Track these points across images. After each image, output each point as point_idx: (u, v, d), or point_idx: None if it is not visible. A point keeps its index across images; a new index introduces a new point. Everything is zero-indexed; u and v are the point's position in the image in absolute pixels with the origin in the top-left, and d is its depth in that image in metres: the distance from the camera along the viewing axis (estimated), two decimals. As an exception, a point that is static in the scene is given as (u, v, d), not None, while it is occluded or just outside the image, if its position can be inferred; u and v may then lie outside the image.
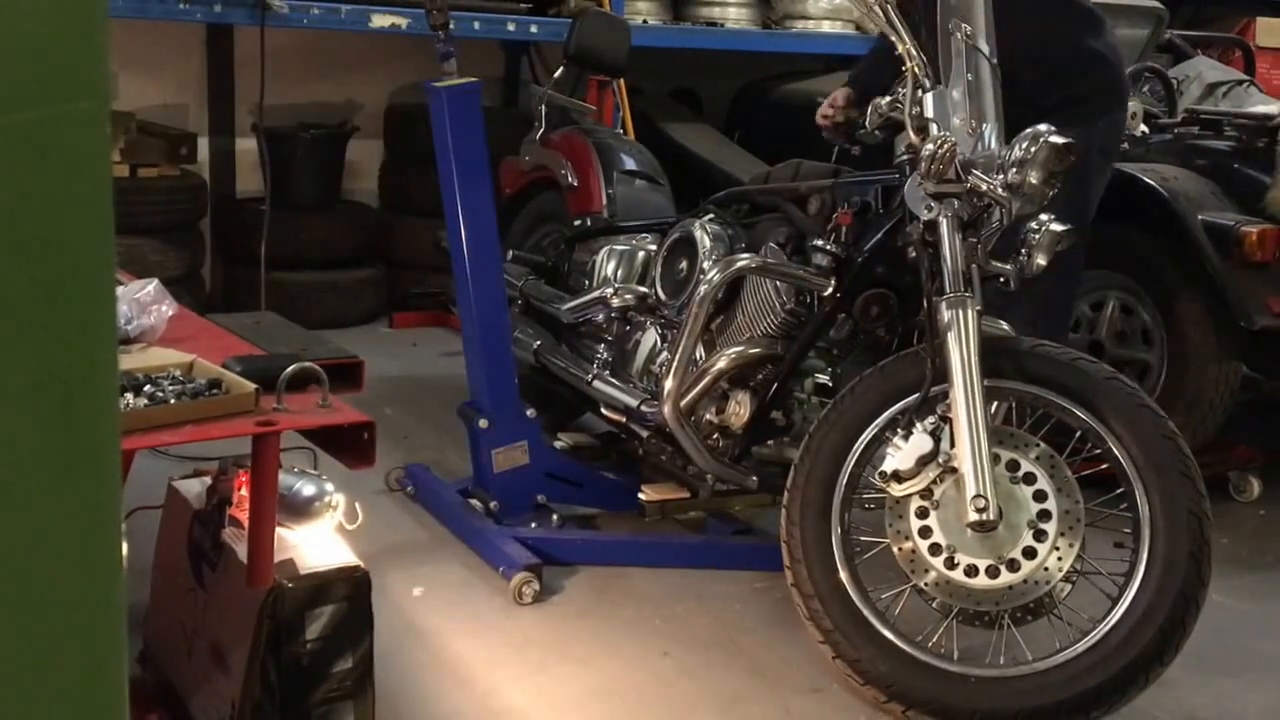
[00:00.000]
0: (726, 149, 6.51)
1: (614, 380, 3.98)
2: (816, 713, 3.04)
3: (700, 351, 3.65)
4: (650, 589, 3.62)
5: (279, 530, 2.36)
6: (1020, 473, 2.99)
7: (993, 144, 3.12)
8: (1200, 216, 4.27)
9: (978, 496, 2.90)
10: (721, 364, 3.52)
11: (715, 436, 3.60)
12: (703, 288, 3.48)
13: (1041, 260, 3.17)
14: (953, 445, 2.95)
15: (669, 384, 3.49)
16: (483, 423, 3.90)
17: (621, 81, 6.08)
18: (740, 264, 3.49)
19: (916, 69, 3.16)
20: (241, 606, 2.40)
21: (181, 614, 2.71)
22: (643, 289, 3.99)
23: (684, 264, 3.79)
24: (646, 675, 3.18)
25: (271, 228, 5.98)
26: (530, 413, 3.96)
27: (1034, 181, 3.02)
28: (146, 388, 2.16)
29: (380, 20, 5.62)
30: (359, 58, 6.78)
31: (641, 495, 3.94)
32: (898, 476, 2.99)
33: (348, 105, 6.89)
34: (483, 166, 3.96)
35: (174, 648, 2.74)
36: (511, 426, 3.93)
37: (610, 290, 4.07)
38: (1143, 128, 4.93)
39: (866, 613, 2.98)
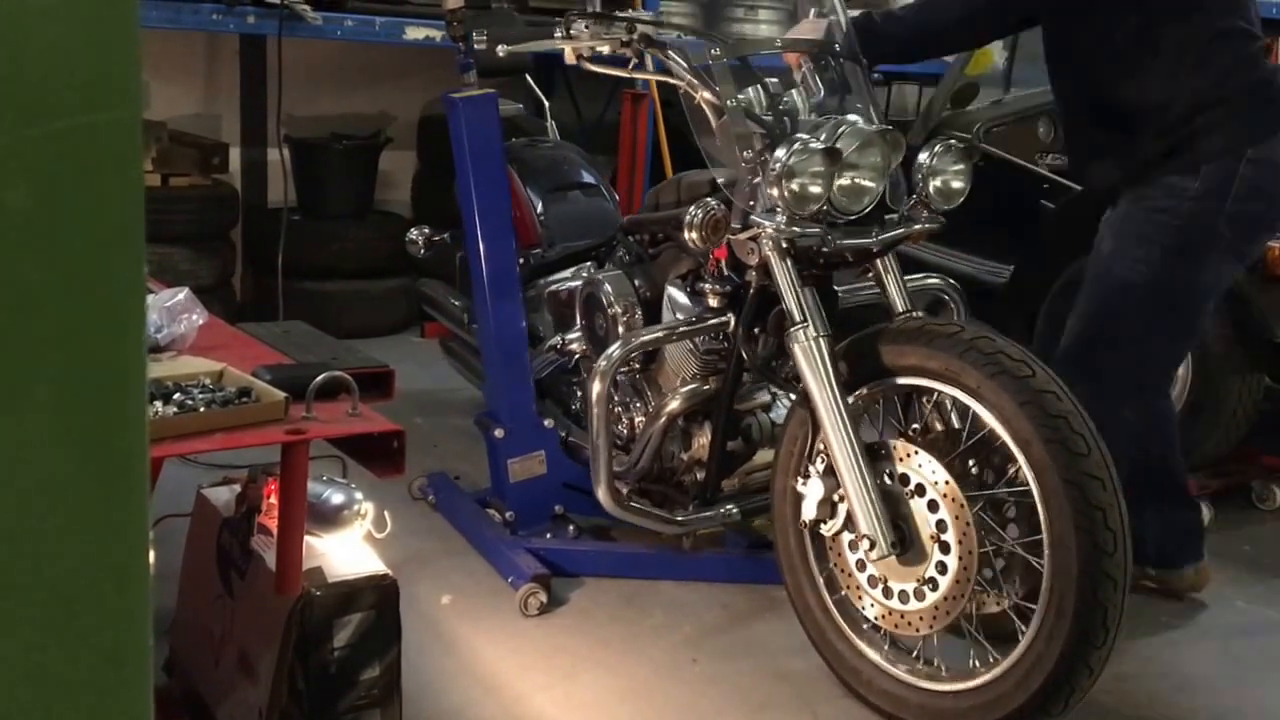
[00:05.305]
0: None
1: (579, 439, 3.88)
2: (844, 719, 3.06)
3: (639, 403, 3.65)
4: (678, 598, 3.62)
5: (308, 538, 2.37)
6: (911, 486, 2.90)
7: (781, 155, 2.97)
8: None
9: (863, 537, 2.87)
10: (661, 420, 3.45)
11: (693, 471, 3.53)
12: (595, 386, 3.29)
13: (956, 184, 3.14)
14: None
15: (600, 473, 3.32)
16: (499, 432, 3.87)
17: (656, 96, 6.06)
18: (615, 358, 3.31)
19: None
20: (270, 614, 2.41)
21: (209, 621, 2.73)
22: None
23: (601, 320, 3.69)
24: (675, 682, 3.18)
25: (304, 237, 6.02)
26: (548, 423, 3.91)
27: (796, 190, 2.95)
28: (176, 396, 2.17)
29: (414, 32, 5.64)
30: (393, 69, 6.81)
31: None
32: (818, 521, 2.99)
33: (381, 116, 6.92)
34: (500, 177, 3.93)
35: (201, 655, 2.75)
36: (528, 436, 3.90)
37: (559, 340, 3.99)
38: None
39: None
